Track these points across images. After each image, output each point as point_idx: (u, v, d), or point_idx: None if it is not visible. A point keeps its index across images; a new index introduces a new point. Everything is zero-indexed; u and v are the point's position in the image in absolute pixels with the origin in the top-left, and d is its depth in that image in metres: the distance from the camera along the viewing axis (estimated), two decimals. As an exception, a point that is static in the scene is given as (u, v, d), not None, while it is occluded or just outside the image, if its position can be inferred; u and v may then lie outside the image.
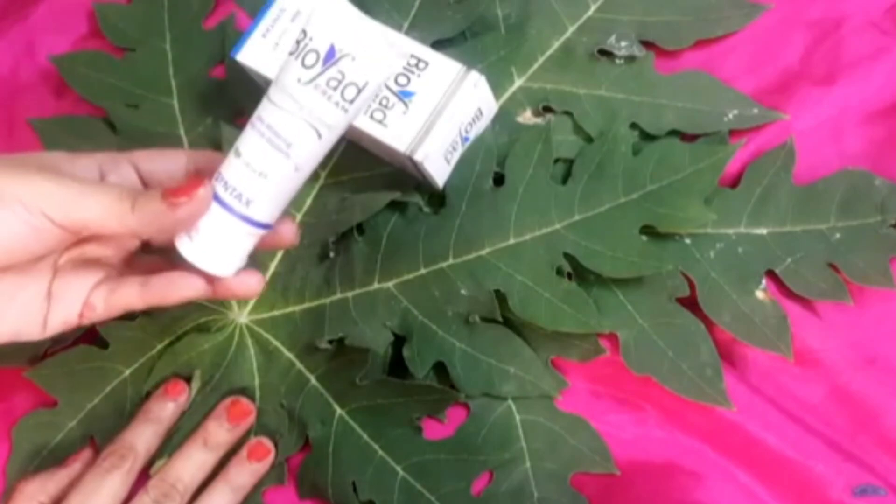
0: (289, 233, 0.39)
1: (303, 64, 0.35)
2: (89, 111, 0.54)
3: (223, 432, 0.45)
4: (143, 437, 0.45)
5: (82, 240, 0.38)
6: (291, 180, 0.36)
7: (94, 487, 0.42)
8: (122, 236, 0.39)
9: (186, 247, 0.37)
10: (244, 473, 0.45)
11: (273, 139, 0.35)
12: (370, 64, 0.35)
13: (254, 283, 0.39)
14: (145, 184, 0.40)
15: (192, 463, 0.44)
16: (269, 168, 0.36)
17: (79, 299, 0.38)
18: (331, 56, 0.34)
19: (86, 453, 0.46)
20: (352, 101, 0.35)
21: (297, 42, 0.35)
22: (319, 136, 0.35)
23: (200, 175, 0.36)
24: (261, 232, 0.37)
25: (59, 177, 0.35)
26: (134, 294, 0.38)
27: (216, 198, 0.36)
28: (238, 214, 0.36)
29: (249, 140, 0.36)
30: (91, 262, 0.39)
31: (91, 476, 0.43)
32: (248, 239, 0.37)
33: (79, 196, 0.35)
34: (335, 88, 0.35)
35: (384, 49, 0.35)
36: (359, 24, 0.35)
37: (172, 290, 0.38)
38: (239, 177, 0.36)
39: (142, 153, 0.40)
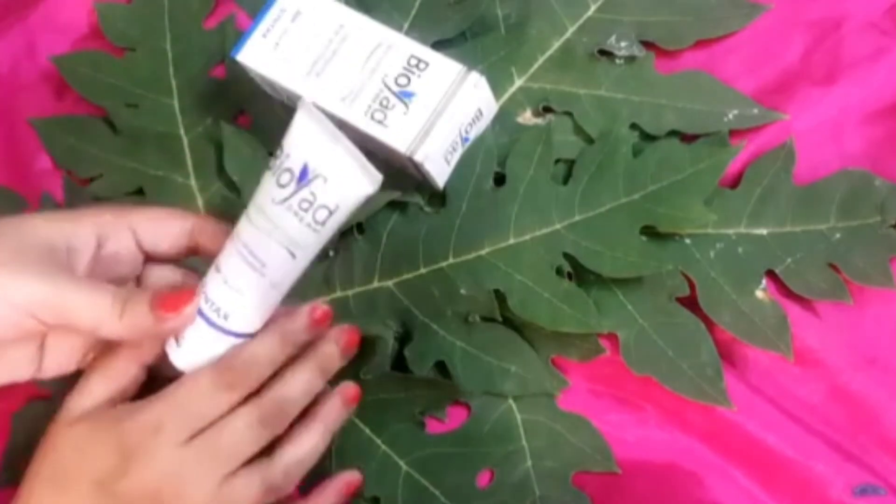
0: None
1: (278, 182, 0.35)
2: (89, 111, 0.54)
3: (336, 357, 0.40)
4: (274, 359, 0.38)
5: None
6: (269, 296, 0.37)
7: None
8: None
9: (174, 352, 0.38)
10: (338, 414, 0.41)
11: (248, 258, 0.36)
12: (342, 187, 0.35)
13: None
14: (144, 251, 0.39)
15: (302, 384, 0.39)
16: (245, 286, 0.36)
17: (74, 354, 0.39)
18: (304, 176, 0.35)
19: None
20: (323, 224, 0.35)
21: (276, 157, 0.36)
22: (293, 255, 0.36)
23: (188, 289, 0.37)
24: (242, 340, 0.38)
25: (50, 277, 0.35)
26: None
27: (199, 311, 0.37)
28: (218, 327, 0.37)
29: (228, 257, 0.37)
30: None
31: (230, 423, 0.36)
32: (228, 348, 0.38)
33: (69, 300, 0.35)
34: (307, 210, 0.35)
35: (357, 171, 0.35)
36: (333, 144, 0.34)
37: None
38: (218, 292, 0.37)
39: (142, 217, 0.39)
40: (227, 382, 0.36)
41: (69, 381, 0.46)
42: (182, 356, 0.38)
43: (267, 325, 0.38)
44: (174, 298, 0.36)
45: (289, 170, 0.35)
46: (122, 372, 0.38)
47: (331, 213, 0.35)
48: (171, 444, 0.36)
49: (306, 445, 0.39)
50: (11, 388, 0.48)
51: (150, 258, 0.40)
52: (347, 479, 0.43)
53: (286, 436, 0.39)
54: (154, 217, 0.40)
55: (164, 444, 0.35)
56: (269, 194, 0.35)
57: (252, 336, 0.38)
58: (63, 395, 0.46)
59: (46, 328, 0.36)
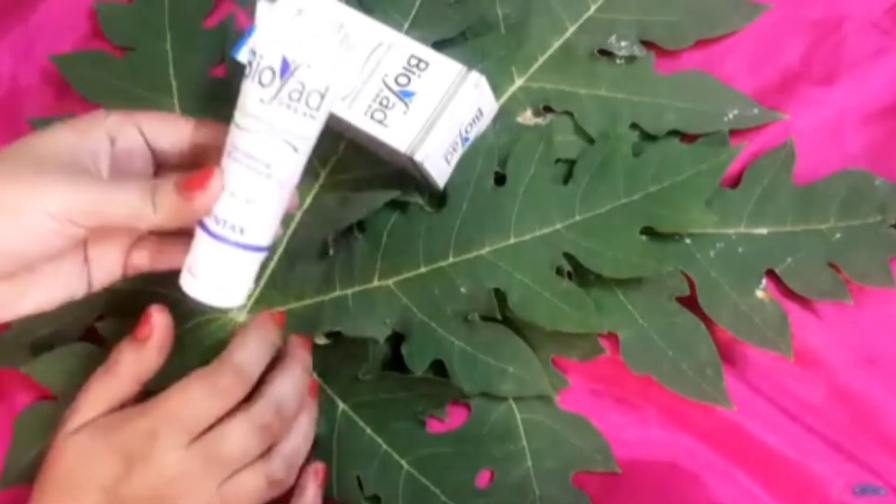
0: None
1: (260, 83, 0.36)
2: (90, 111, 0.53)
3: (308, 358, 0.43)
4: (258, 364, 0.39)
5: None
6: (278, 199, 0.37)
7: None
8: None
9: (190, 284, 0.38)
10: (313, 403, 0.43)
11: (252, 164, 0.36)
12: (327, 68, 0.35)
13: None
14: (151, 148, 0.41)
15: (294, 385, 0.40)
16: (254, 193, 0.37)
17: (117, 260, 0.40)
18: (286, 69, 0.35)
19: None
20: (318, 108, 0.36)
21: (249, 63, 0.36)
22: (295, 149, 0.37)
23: (209, 167, 0.37)
24: (261, 255, 0.38)
25: (79, 181, 0.36)
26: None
27: (210, 233, 0.37)
28: (234, 244, 0.37)
29: (230, 170, 0.37)
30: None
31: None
32: (249, 265, 0.38)
33: (102, 200, 0.36)
34: (298, 100, 0.36)
35: (336, 49, 0.36)
36: (304, 31, 0.35)
37: None
38: (228, 208, 0.37)
39: (146, 117, 0.41)
40: (220, 391, 0.37)
41: (68, 384, 0.46)
42: (202, 286, 0.38)
43: (241, 333, 0.40)
44: (198, 177, 0.36)
45: (268, 67, 0.35)
46: (120, 387, 0.39)
47: (322, 95, 0.36)
48: (170, 449, 0.36)
49: (300, 436, 0.41)
50: (14, 389, 0.49)
51: (157, 157, 0.41)
52: (314, 469, 0.44)
53: None
54: (156, 117, 0.41)
55: (163, 449, 0.36)
56: (255, 96, 0.36)
57: (267, 249, 0.38)
58: (67, 397, 0.46)
59: (87, 232, 0.36)
